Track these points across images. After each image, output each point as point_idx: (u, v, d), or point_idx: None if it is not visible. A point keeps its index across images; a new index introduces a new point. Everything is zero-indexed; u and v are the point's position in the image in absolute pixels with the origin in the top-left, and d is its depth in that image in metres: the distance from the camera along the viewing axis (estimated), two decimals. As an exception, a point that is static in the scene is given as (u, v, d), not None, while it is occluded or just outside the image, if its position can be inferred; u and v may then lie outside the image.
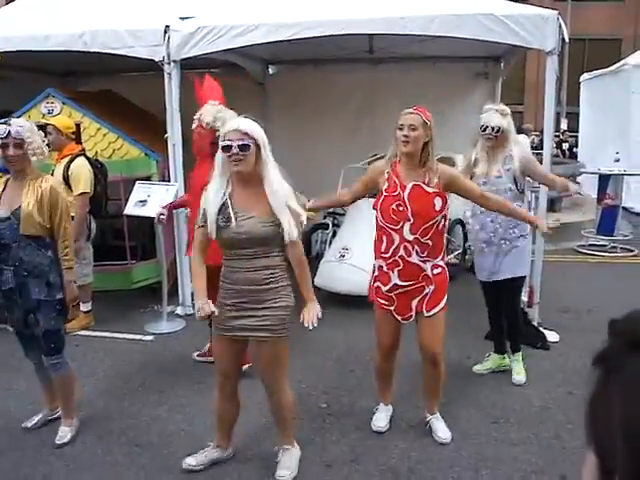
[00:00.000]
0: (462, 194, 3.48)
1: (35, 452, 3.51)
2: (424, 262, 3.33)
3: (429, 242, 3.30)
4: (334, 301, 6.08)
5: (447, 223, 3.47)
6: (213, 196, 2.94)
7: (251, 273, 2.94)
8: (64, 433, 3.59)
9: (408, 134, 3.25)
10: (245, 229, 2.88)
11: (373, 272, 3.53)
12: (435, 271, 3.37)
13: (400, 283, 3.36)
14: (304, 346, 5.02)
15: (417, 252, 3.30)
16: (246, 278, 2.95)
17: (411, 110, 3.31)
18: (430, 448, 3.51)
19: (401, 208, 3.28)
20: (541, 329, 5.13)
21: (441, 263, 3.42)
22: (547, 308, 5.46)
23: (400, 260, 3.33)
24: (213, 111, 4.04)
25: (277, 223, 2.89)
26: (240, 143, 2.82)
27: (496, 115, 3.99)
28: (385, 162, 3.46)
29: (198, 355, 4.73)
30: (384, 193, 3.36)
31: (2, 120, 3.32)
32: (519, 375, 4.30)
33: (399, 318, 3.46)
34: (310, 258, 6.89)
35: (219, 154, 2.93)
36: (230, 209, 2.89)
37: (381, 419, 3.76)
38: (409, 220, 3.27)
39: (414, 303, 3.40)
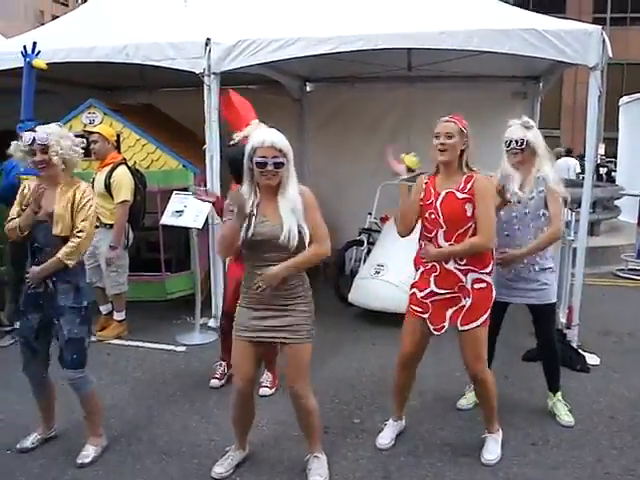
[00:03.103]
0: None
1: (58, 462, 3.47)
2: (463, 272, 3.27)
3: None
4: (368, 318, 6.01)
5: None
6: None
7: None
8: (87, 452, 3.45)
9: (445, 142, 3.24)
10: (259, 231, 2.94)
11: (413, 280, 3.49)
12: (476, 285, 3.29)
13: (436, 290, 3.32)
14: (337, 362, 4.97)
15: (455, 259, 3.26)
16: None
17: (447, 118, 3.32)
18: (465, 467, 3.40)
19: (433, 216, 3.29)
20: (580, 351, 4.99)
21: (487, 278, 3.33)
22: (587, 331, 5.30)
23: (438, 265, 3.30)
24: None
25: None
26: (276, 161, 2.89)
27: (518, 127, 3.71)
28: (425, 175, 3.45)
29: (219, 378, 4.47)
30: (421, 203, 3.39)
31: (29, 128, 3.35)
32: (568, 417, 3.92)
33: (431, 327, 3.38)
34: (344, 275, 6.85)
35: (246, 162, 2.96)
36: (254, 217, 2.95)
37: (385, 437, 3.66)
38: (442, 227, 3.27)
39: (449, 313, 3.33)
